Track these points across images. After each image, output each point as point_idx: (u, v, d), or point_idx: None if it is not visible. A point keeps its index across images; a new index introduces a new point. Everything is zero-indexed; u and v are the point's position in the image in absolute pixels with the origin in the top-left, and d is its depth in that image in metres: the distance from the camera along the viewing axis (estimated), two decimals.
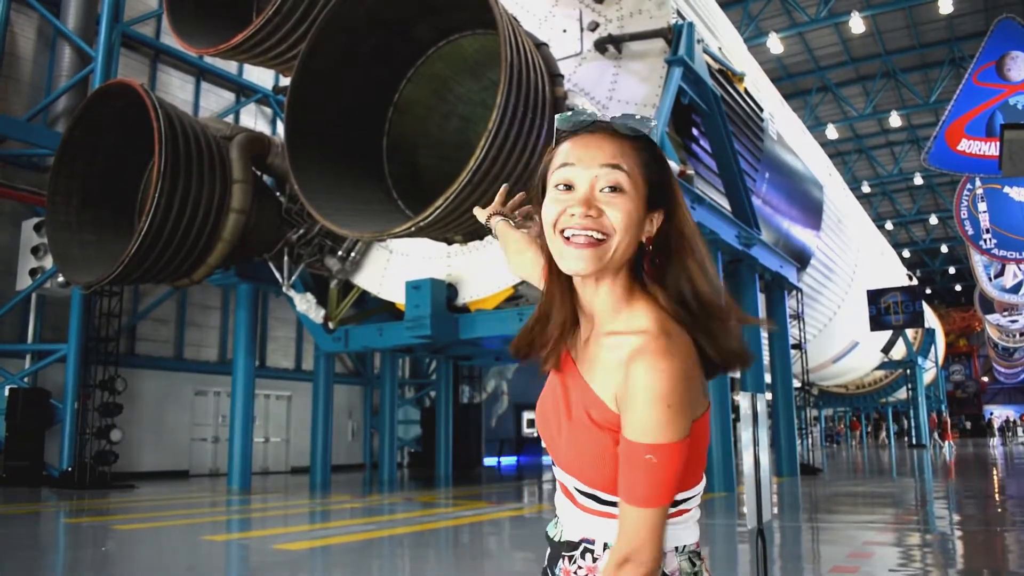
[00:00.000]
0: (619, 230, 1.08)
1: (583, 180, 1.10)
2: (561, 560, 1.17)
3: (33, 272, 14.10)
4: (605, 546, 1.12)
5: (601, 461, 1.09)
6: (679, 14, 11.54)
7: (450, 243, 11.82)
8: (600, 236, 1.08)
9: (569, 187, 1.11)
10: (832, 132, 32.32)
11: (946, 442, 29.28)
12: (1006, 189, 13.48)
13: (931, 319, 35.92)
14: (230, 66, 18.50)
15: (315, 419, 15.24)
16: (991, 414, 54.55)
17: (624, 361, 1.05)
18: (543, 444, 1.22)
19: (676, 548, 1.11)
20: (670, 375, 1.02)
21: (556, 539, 1.20)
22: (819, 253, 19.28)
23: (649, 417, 1.01)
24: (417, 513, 9.79)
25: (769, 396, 15.37)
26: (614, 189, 1.09)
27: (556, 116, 1.16)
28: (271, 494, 13.34)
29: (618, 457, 1.06)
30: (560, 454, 1.16)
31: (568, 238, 1.09)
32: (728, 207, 12.77)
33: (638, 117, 1.13)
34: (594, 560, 1.13)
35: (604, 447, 1.08)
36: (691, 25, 11.17)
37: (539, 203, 1.18)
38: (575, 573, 1.14)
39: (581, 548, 1.14)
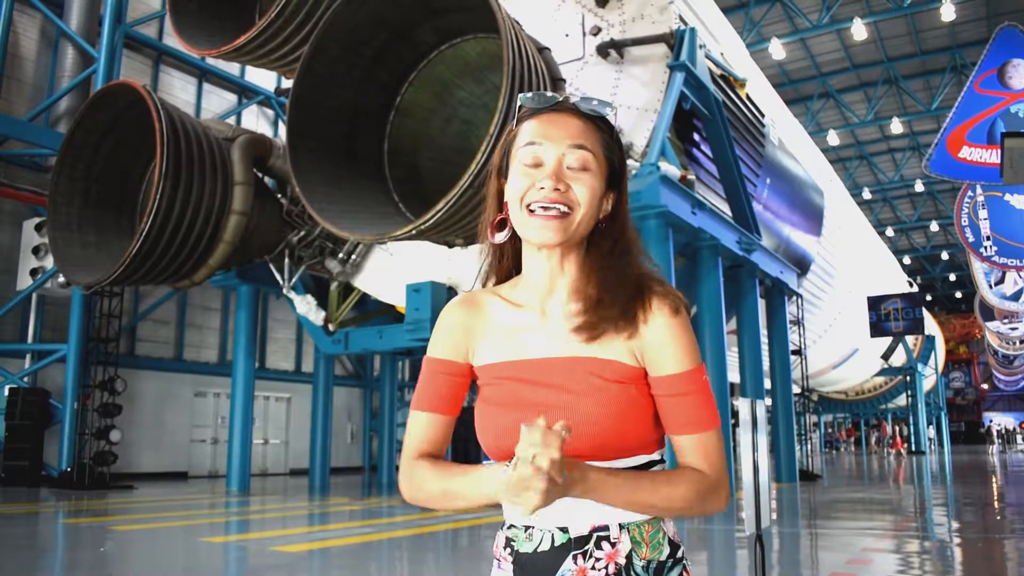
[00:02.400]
0: (583, 204, 1.13)
1: (551, 157, 1.14)
2: (568, 561, 1.10)
3: (34, 272, 14.12)
4: (620, 527, 1.10)
5: (635, 416, 1.12)
6: (681, 19, 11.56)
7: (451, 246, 11.82)
8: (565, 209, 1.12)
9: (537, 164, 1.14)
10: (833, 138, 32.33)
11: (894, 450, 30.75)
12: (1007, 196, 13.49)
13: (931, 326, 35.92)
14: (232, 68, 18.54)
15: (314, 421, 15.24)
16: (990, 421, 54.52)
17: (636, 316, 1.15)
18: (509, 446, 1.13)
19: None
20: (683, 309, 1.16)
21: (539, 549, 1.12)
22: (819, 259, 19.27)
23: (691, 344, 1.14)
24: (416, 516, 9.78)
25: (768, 402, 15.36)
26: (580, 167, 1.14)
27: (520, 95, 1.19)
28: (270, 496, 13.33)
29: (648, 406, 1.14)
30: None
31: (533, 211, 1.13)
32: (729, 212, 12.77)
33: (597, 101, 1.17)
34: (612, 545, 1.10)
35: (634, 399, 1.12)
36: (693, 30, 11.19)
37: (498, 178, 1.23)
38: (594, 567, 1.09)
39: (594, 539, 1.10)
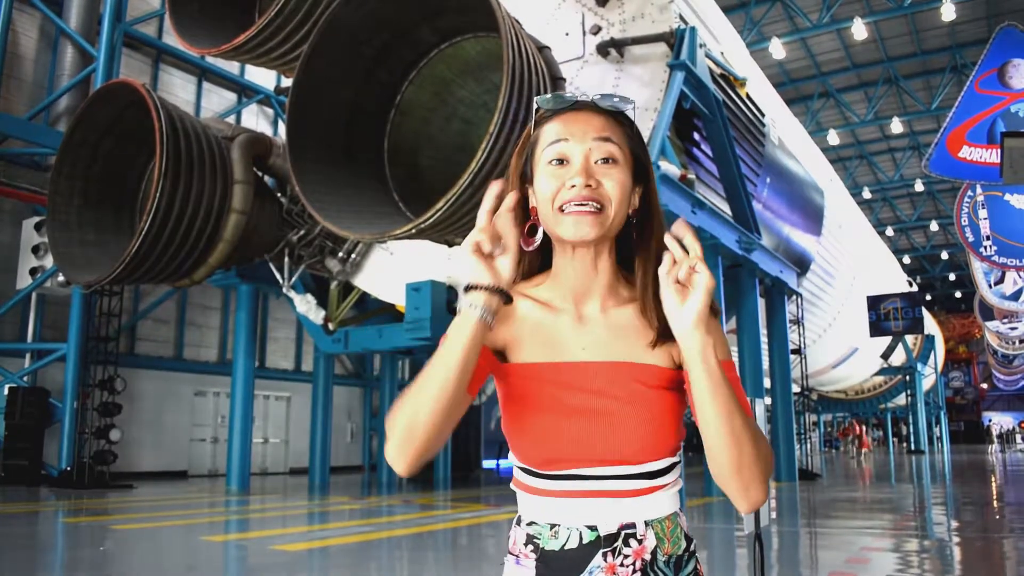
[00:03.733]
0: (615, 199, 1.13)
1: (578, 153, 1.13)
2: (598, 558, 1.11)
3: (33, 271, 14.11)
4: (646, 524, 1.12)
5: (671, 421, 1.13)
6: (681, 18, 11.55)
7: (451, 245, 11.82)
8: (598, 205, 1.12)
9: (562, 161, 1.14)
10: (833, 138, 32.34)
11: (863, 450, 31.60)
12: (1007, 196, 13.49)
13: (931, 325, 35.92)
14: (232, 66, 18.52)
15: (314, 420, 15.24)
16: (989, 420, 54.55)
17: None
18: (547, 450, 1.13)
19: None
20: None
21: (567, 547, 1.12)
22: (819, 258, 19.28)
23: (726, 340, 1.14)
24: (415, 515, 9.78)
25: (768, 401, 15.37)
26: (607, 160, 1.13)
27: (536, 97, 1.17)
28: (270, 495, 13.34)
29: (678, 409, 1.14)
30: (601, 444, 1.12)
31: (565, 210, 1.12)
32: (729, 212, 12.77)
33: (617, 98, 1.16)
34: (640, 542, 1.12)
35: (671, 405, 1.14)
36: (693, 29, 11.18)
37: (517, 182, 1.21)
38: (623, 564, 1.11)
39: (623, 536, 1.12)
